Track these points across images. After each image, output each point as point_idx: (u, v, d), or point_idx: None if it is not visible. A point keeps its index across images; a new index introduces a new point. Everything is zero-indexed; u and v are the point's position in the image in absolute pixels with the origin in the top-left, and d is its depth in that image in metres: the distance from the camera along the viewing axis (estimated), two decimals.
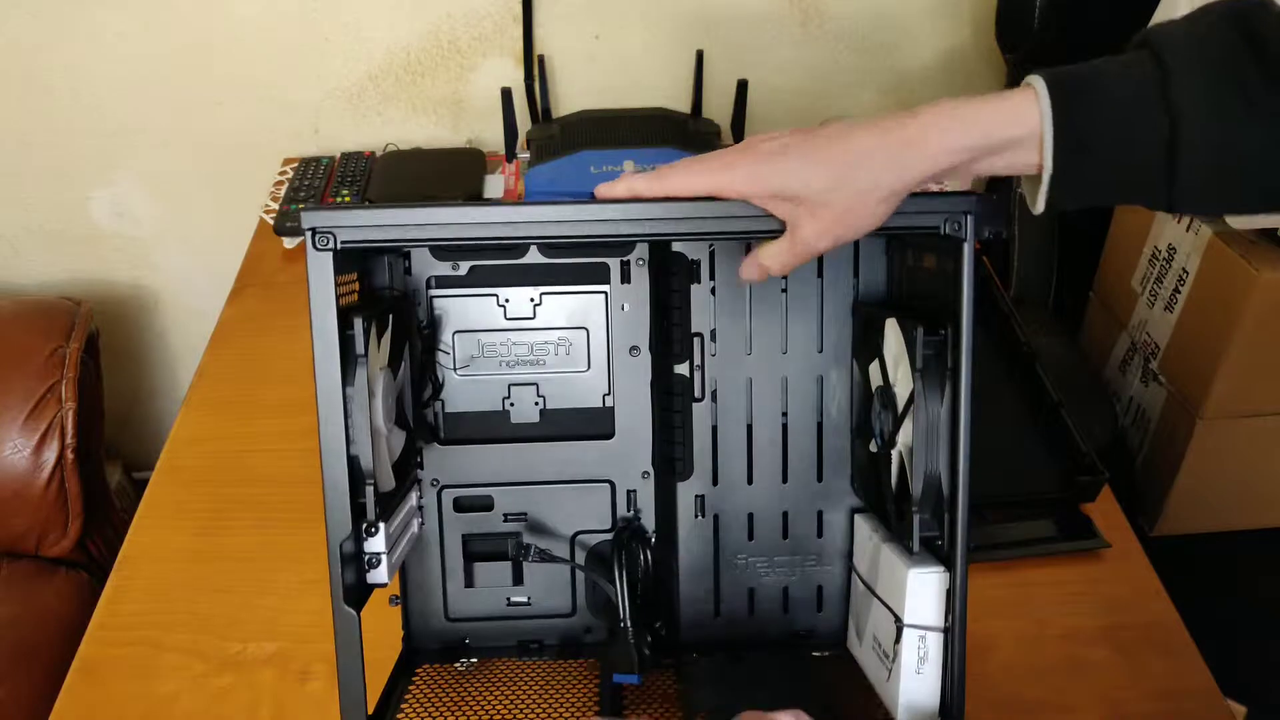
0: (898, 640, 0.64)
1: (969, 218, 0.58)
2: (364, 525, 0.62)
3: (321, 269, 0.57)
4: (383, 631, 0.72)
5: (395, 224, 0.58)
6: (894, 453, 0.66)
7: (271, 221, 1.31)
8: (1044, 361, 1.01)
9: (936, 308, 0.62)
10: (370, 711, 0.61)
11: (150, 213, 1.52)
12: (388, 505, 0.67)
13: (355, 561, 0.62)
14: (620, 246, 0.74)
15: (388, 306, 0.67)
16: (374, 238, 0.58)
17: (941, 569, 0.62)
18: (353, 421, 0.60)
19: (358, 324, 0.60)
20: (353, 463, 0.60)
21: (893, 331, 0.66)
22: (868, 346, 0.71)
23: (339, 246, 0.57)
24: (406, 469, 0.71)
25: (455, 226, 0.59)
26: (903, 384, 0.65)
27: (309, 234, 0.57)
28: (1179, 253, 1.28)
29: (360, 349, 0.59)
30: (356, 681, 0.60)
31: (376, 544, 0.63)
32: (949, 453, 0.60)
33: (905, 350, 0.63)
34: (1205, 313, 1.25)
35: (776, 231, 0.58)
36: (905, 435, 0.65)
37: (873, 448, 0.71)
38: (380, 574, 0.63)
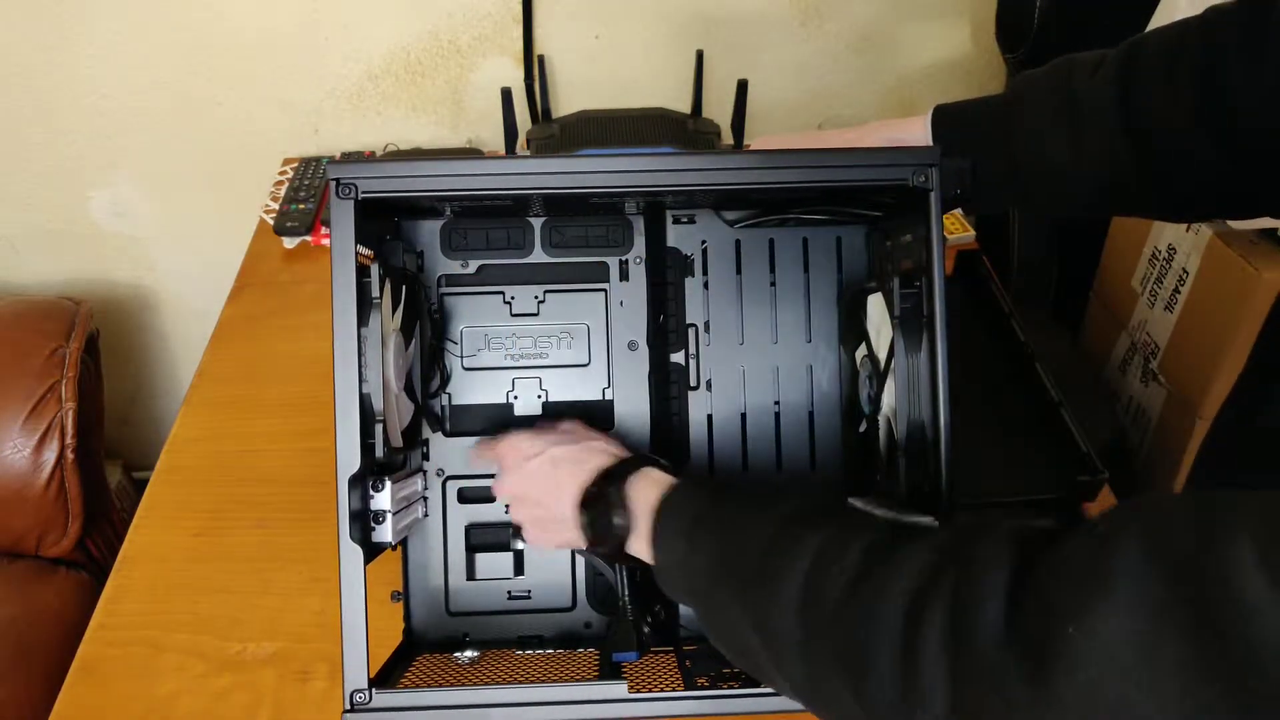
0: None
1: (934, 170, 0.62)
2: (370, 480, 0.64)
3: (343, 215, 0.62)
4: (385, 632, 0.72)
5: (412, 175, 0.62)
6: (880, 418, 0.69)
7: (271, 221, 1.31)
8: (1044, 361, 1.01)
9: (913, 270, 0.66)
10: (372, 676, 0.62)
11: (150, 213, 1.53)
12: (395, 468, 0.68)
13: (361, 512, 0.64)
14: (619, 245, 0.76)
15: (401, 278, 0.70)
16: (393, 188, 0.62)
17: (930, 519, 0.63)
18: (366, 361, 0.63)
19: (374, 269, 0.64)
20: (364, 401, 0.62)
21: (875, 304, 0.69)
22: (853, 333, 0.74)
23: (360, 197, 0.62)
24: (414, 441, 0.73)
25: (469, 178, 0.62)
26: (885, 351, 0.68)
27: (333, 184, 0.61)
28: (1179, 253, 1.28)
29: (375, 293, 0.64)
30: (359, 624, 0.61)
31: (382, 501, 0.65)
32: (930, 399, 0.63)
33: (886, 317, 0.66)
34: (1205, 313, 1.25)
35: (758, 185, 0.65)
36: (889, 398, 0.67)
37: (861, 428, 0.72)
38: (384, 532, 0.65)
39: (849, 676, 0.46)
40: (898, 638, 0.44)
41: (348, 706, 0.61)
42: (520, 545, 0.76)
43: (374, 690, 0.61)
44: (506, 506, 0.74)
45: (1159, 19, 1.15)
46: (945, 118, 0.73)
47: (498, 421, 0.77)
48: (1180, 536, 0.37)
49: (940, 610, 0.42)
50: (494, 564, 0.76)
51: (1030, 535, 0.43)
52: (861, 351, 0.72)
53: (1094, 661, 0.36)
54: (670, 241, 0.76)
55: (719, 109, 1.34)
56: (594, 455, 0.67)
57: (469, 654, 0.72)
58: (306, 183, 1.37)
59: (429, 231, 0.76)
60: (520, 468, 0.69)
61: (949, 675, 0.42)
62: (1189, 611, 0.35)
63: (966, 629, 0.41)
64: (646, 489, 0.63)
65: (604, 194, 0.66)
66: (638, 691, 0.62)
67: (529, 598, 0.76)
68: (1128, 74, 0.64)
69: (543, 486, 0.68)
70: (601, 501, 0.64)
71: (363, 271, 0.63)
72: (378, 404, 0.64)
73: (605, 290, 0.77)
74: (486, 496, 0.76)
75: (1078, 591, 0.38)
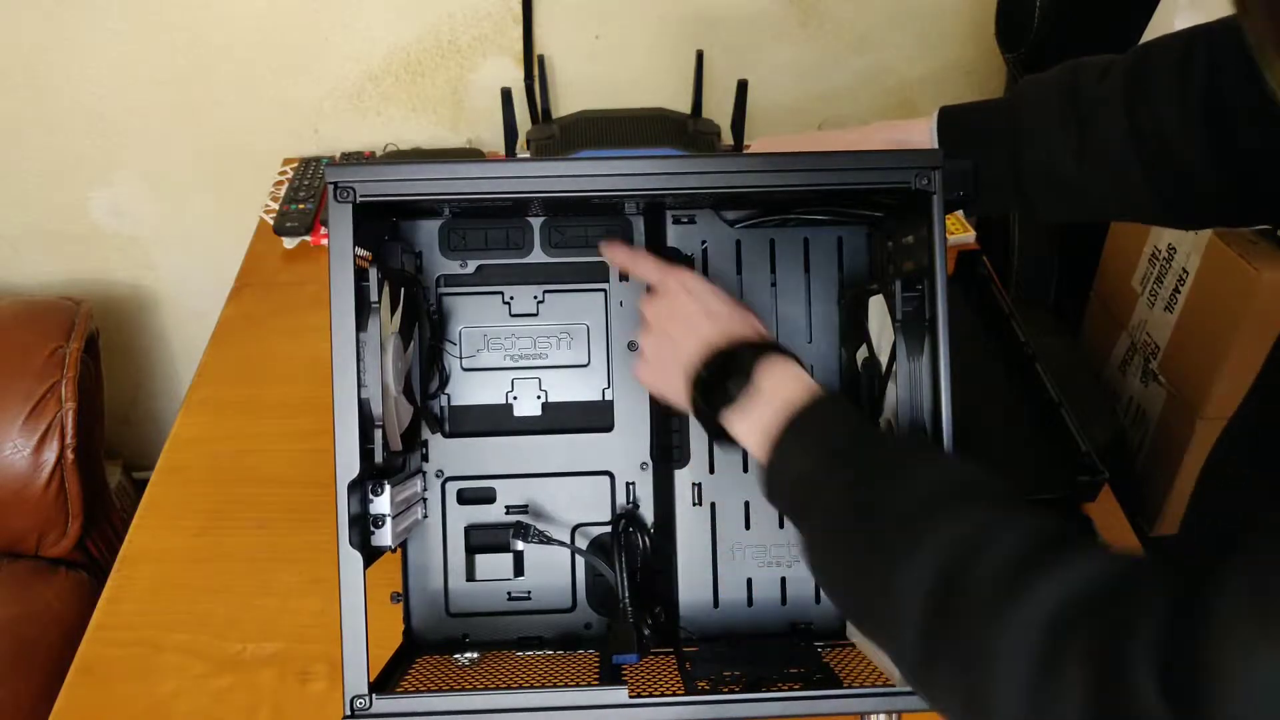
0: None
1: (937, 173, 0.62)
2: (369, 485, 0.64)
3: (341, 219, 0.61)
4: (385, 633, 0.72)
5: (410, 178, 0.62)
6: (882, 420, 0.68)
7: (271, 221, 1.31)
8: (1044, 361, 1.01)
9: (915, 273, 0.65)
10: (372, 679, 0.62)
11: (150, 213, 1.52)
12: (394, 471, 0.68)
13: (360, 517, 0.63)
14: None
15: (399, 280, 0.70)
16: (391, 191, 0.62)
17: None
18: (364, 365, 0.62)
19: (372, 273, 0.63)
20: (363, 406, 0.62)
21: (876, 306, 0.69)
22: (854, 333, 0.73)
23: (357, 201, 0.61)
24: (413, 443, 0.73)
25: (467, 181, 0.62)
26: (886, 353, 0.67)
27: (331, 188, 0.61)
28: (1179, 253, 1.28)
29: (374, 297, 0.63)
30: (359, 629, 0.61)
31: (381, 505, 0.65)
32: (931, 402, 0.63)
33: (888, 320, 0.66)
34: (1205, 313, 1.25)
35: (760, 188, 0.64)
36: (891, 399, 0.66)
37: None
38: (384, 536, 0.65)
39: (967, 676, 0.43)
40: (1036, 649, 0.40)
41: (348, 712, 0.60)
42: (519, 546, 0.76)
43: (374, 696, 0.61)
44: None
45: (1158, 19, 1.15)
46: (949, 120, 0.73)
47: (496, 423, 0.76)
48: None
49: (1092, 633, 0.39)
50: (494, 565, 0.75)
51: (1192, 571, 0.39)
52: (863, 353, 0.72)
53: (1254, 708, 0.34)
54: (670, 241, 0.76)
55: (719, 109, 1.34)
56: (742, 324, 0.65)
57: (469, 655, 0.72)
58: (306, 183, 1.37)
59: (427, 232, 0.76)
60: (675, 296, 0.67)
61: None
62: None
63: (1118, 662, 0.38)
64: (785, 379, 0.60)
65: (604, 196, 0.66)
66: (638, 695, 0.62)
67: (529, 599, 0.76)
68: (1135, 79, 0.64)
69: (683, 324, 0.66)
70: (727, 362, 0.62)
71: (361, 275, 0.63)
72: (376, 409, 0.64)
73: (605, 290, 0.76)
74: (486, 497, 0.76)
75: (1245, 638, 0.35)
